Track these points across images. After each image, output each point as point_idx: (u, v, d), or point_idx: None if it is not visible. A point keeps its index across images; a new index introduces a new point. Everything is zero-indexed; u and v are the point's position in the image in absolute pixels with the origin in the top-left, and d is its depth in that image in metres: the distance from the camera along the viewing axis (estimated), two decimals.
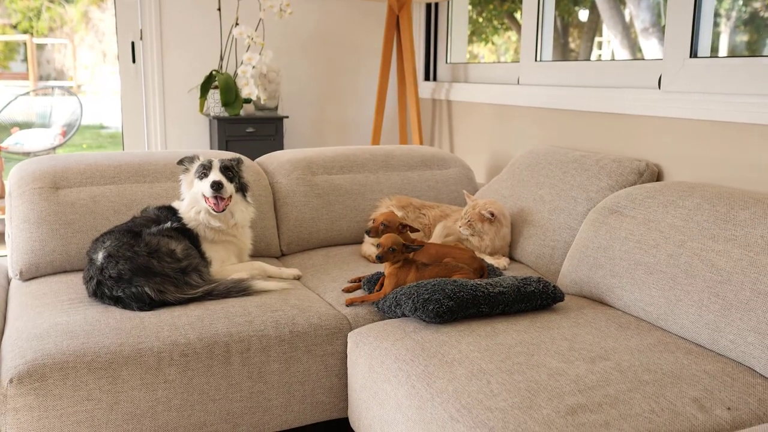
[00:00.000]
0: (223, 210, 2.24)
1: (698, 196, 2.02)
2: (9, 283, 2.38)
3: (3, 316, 2.10)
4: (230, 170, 2.29)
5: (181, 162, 2.35)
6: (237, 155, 2.48)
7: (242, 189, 2.37)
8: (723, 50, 2.58)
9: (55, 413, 1.74)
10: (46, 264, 2.32)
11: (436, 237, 2.60)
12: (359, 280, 2.29)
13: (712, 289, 1.79)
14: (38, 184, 2.37)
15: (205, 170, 2.26)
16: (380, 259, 2.07)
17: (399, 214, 2.62)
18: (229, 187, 2.26)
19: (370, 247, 2.58)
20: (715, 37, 2.47)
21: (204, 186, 2.23)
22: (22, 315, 1.99)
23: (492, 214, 2.48)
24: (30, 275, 2.32)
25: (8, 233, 2.39)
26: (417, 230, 2.28)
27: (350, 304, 2.12)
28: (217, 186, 2.20)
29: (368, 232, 2.21)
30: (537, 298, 1.99)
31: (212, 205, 2.23)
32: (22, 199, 2.35)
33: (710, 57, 2.42)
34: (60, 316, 1.93)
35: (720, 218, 1.90)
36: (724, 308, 1.74)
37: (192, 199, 2.28)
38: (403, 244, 2.08)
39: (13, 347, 1.80)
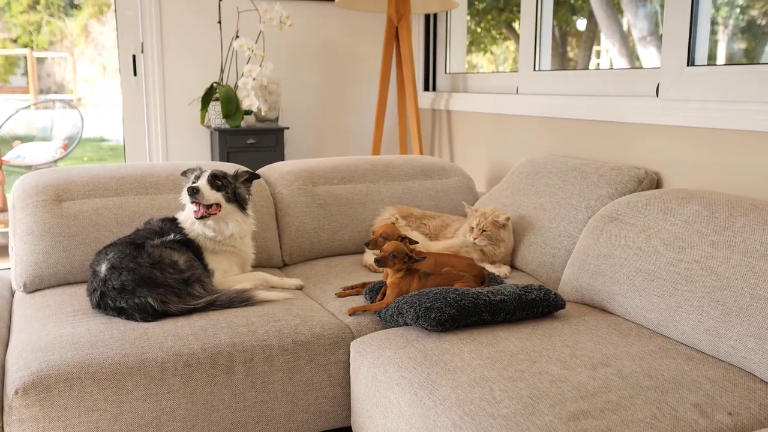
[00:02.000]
0: (203, 217, 2.23)
1: (697, 203, 2.03)
2: (12, 296, 2.39)
3: (7, 328, 2.11)
4: (219, 179, 2.28)
5: (184, 173, 2.38)
6: (245, 170, 2.43)
7: (238, 200, 2.35)
8: (721, 58, 2.60)
9: (60, 424, 1.75)
10: (49, 276, 2.33)
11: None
12: (352, 287, 2.30)
13: (712, 295, 1.80)
14: (42, 196, 2.38)
15: (196, 179, 2.28)
16: (378, 262, 2.09)
17: (399, 224, 2.64)
18: (211, 195, 2.24)
19: (371, 256, 2.60)
20: (713, 45, 2.48)
21: (185, 192, 2.26)
22: (27, 327, 2.00)
23: (507, 219, 2.51)
24: (34, 287, 2.33)
25: (12, 246, 2.40)
26: (416, 242, 2.29)
27: (353, 313, 2.13)
28: (192, 191, 2.20)
29: (368, 244, 2.23)
30: (538, 305, 2.00)
31: (194, 211, 2.25)
32: (25, 211, 2.36)
33: (708, 65, 2.44)
34: (64, 328, 1.94)
35: (719, 225, 1.91)
36: (724, 314, 1.75)
37: (189, 209, 2.30)
38: (405, 254, 2.10)
39: (18, 359, 1.81)
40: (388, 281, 2.13)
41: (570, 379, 1.60)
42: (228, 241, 2.31)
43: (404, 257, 2.10)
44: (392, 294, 2.09)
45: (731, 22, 2.64)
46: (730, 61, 2.60)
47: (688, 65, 2.45)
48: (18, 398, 1.70)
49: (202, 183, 2.24)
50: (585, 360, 1.71)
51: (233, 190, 2.32)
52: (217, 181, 2.27)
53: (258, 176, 2.45)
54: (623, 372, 1.64)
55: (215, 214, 2.26)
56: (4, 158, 5.29)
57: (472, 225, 2.52)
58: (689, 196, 2.10)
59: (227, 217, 2.30)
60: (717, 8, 2.55)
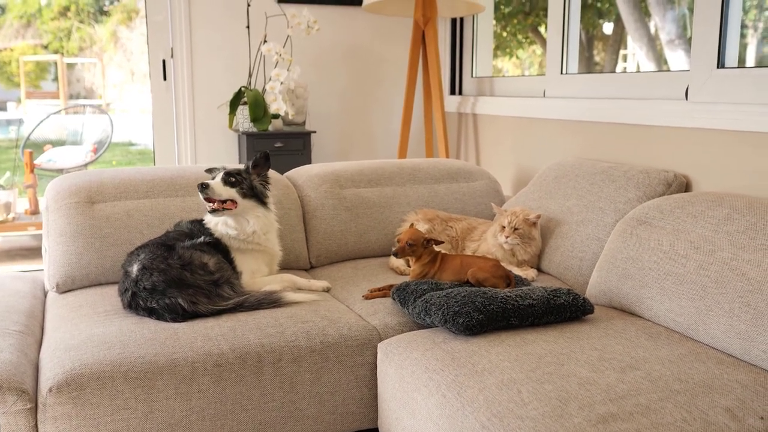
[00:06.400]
0: (216, 211, 2.25)
1: (728, 206, 2.02)
2: (45, 296, 2.43)
3: (41, 328, 2.15)
4: (233, 176, 2.30)
5: (209, 171, 2.43)
6: (254, 160, 2.41)
7: (256, 195, 2.35)
8: (750, 61, 2.57)
9: (92, 422, 1.77)
10: (81, 277, 2.37)
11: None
12: (379, 289, 2.31)
13: (743, 299, 1.78)
14: (74, 198, 2.43)
15: (213, 177, 2.32)
16: (397, 255, 2.25)
17: (423, 228, 2.64)
18: (223, 191, 2.25)
19: (398, 259, 2.60)
20: (742, 48, 2.46)
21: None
22: (60, 326, 2.04)
23: (538, 216, 2.52)
24: (66, 288, 2.37)
25: (45, 247, 2.44)
26: (441, 242, 2.31)
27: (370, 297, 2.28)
28: (201, 186, 2.22)
29: (396, 254, 2.25)
30: (567, 310, 1.99)
31: (208, 205, 2.26)
32: (58, 213, 2.40)
33: (738, 67, 2.41)
34: (96, 327, 1.98)
35: (750, 228, 1.89)
36: (755, 318, 1.74)
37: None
38: (423, 239, 2.24)
39: (51, 357, 1.85)
40: (411, 271, 2.28)
41: (599, 382, 1.60)
42: (252, 238, 2.32)
43: (422, 242, 2.23)
44: (415, 274, 2.26)
45: (761, 24, 2.61)
46: (760, 64, 2.57)
47: (718, 67, 2.43)
48: (52, 396, 1.73)
49: (215, 180, 2.27)
50: (614, 363, 1.70)
51: (249, 185, 2.33)
52: (231, 178, 2.29)
53: (268, 156, 2.41)
54: (653, 375, 1.63)
55: (230, 209, 2.27)
56: (35, 162, 5.38)
57: (503, 224, 2.51)
58: (719, 199, 2.08)
59: (247, 213, 2.32)
60: (745, 11, 2.53)
